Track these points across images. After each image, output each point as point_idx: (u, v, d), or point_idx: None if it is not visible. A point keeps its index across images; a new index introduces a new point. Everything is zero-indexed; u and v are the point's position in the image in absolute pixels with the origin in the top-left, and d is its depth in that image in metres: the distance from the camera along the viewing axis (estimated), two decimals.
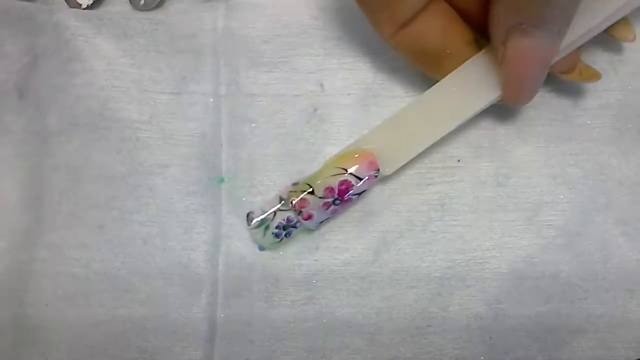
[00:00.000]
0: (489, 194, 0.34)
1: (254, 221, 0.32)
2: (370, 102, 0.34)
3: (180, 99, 0.34)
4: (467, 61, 0.31)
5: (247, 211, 0.32)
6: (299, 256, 0.33)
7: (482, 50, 0.31)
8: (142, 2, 0.35)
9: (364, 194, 0.32)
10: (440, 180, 0.34)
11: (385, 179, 0.33)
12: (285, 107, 0.34)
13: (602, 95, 0.35)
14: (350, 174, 0.31)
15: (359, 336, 0.32)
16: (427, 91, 0.32)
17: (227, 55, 0.35)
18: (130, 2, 0.35)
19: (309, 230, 0.33)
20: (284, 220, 0.32)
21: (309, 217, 0.31)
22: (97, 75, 0.34)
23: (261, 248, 0.33)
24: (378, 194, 0.34)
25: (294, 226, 0.32)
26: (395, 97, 0.35)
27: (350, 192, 0.31)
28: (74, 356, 0.32)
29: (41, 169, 0.33)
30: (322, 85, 0.35)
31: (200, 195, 0.33)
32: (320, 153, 0.34)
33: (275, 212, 0.32)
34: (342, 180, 0.31)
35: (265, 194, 0.33)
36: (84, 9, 0.35)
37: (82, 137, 0.33)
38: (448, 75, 0.31)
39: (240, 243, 0.33)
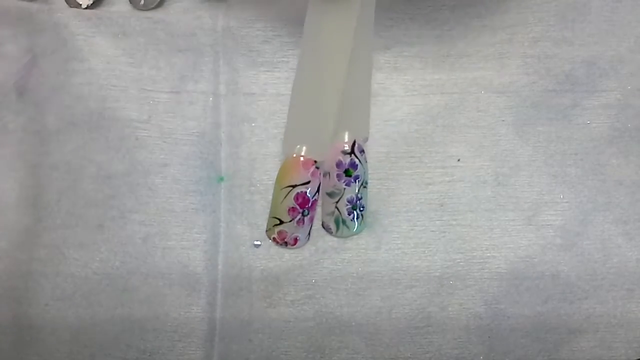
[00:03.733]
0: (488, 193, 0.34)
1: (331, 226, 0.33)
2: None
3: (180, 98, 0.34)
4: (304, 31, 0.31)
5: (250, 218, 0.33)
6: (298, 256, 0.33)
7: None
8: (142, 1, 0.35)
9: (321, 186, 0.32)
10: (440, 180, 0.34)
11: (385, 179, 0.33)
12: (285, 107, 0.34)
13: (601, 95, 0.35)
14: (296, 185, 0.32)
15: (359, 336, 0.32)
16: (296, 72, 0.32)
17: (227, 54, 0.35)
18: (130, 2, 0.35)
19: (369, 190, 0.33)
20: (347, 204, 0.32)
21: (295, 241, 0.32)
22: (97, 74, 0.34)
23: (257, 245, 0.33)
24: (377, 195, 0.34)
25: (359, 199, 0.32)
26: (394, 97, 0.35)
27: (309, 197, 0.32)
28: (73, 356, 0.32)
29: (40, 168, 0.33)
30: None
31: (199, 194, 0.33)
32: None
33: (336, 207, 0.32)
34: (295, 196, 0.32)
35: (264, 193, 0.33)
36: (83, 8, 0.35)
37: (81, 136, 0.33)
38: (303, 47, 0.31)
39: (240, 242, 0.33)
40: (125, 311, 0.32)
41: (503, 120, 0.34)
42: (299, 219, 0.32)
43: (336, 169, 0.32)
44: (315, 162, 0.32)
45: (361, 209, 0.32)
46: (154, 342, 0.32)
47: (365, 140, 0.33)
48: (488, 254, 0.33)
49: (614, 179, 0.34)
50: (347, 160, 0.32)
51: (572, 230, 0.33)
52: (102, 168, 0.33)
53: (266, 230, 0.33)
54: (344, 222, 0.32)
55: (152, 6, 0.35)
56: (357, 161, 0.32)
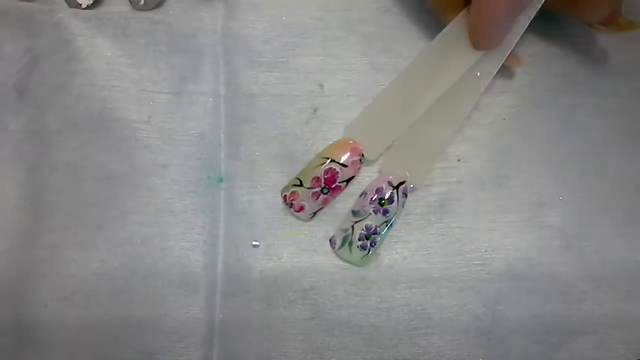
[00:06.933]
0: (488, 194, 0.34)
1: (336, 241, 0.32)
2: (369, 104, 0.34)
3: (180, 98, 0.34)
4: (433, 41, 0.32)
5: (246, 214, 0.33)
6: (297, 257, 0.33)
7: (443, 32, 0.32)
8: (142, 2, 0.35)
9: (352, 180, 0.32)
10: (440, 181, 0.34)
11: None
12: (285, 107, 0.34)
13: (600, 96, 0.35)
14: (333, 161, 0.32)
15: (358, 337, 0.32)
16: (401, 73, 0.33)
17: (227, 55, 0.35)
18: (130, 2, 0.35)
19: (389, 232, 0.33)
20: (363, 230, 0.32)
21: (301, 208, 0.32)
22: (97, 75, 0.34)
23: (256, 245, 0.33)
24: None
25: (375, 232, 0.32)
26: None
27: (337, 179, 0.32)
28: (72, 356, 0.32)
29: (40, 169, 0.33)
30: (321, 85, 0.35)
31: (199, 195, 0.33)
32: None
33: (353, 226, 0.32)
34: (326, 169, 0.32)
35: (264, 194, 0.33)
36: (83, 9, 0.35)
37: (81, 136, 0.33)
38: (419, 56, 0.32)
39: (239, 243, 0.33)
40: (124, 312, 0.32)
41: (504, 119, 0.34)
42: (316, 191, 0.32)
43: (374, 193, 0.32)
44: (363, 156, 0.32)
45: (373, 243, 0.32)
46: (153, 343, 0.32)
47: (414, 189, 0.33)
48: (487, 256, 0.33)
49: (613, 180, 0.34)
50: (388, 191, 0.32)
51: (571, 231, 0.33)
52: (102, 169, 0.33)
53: (282, 189, 0.33)
54: (350, 244, 0.32)
55: (152, 7, 0.35)
56: (395, 198, 0.32)
